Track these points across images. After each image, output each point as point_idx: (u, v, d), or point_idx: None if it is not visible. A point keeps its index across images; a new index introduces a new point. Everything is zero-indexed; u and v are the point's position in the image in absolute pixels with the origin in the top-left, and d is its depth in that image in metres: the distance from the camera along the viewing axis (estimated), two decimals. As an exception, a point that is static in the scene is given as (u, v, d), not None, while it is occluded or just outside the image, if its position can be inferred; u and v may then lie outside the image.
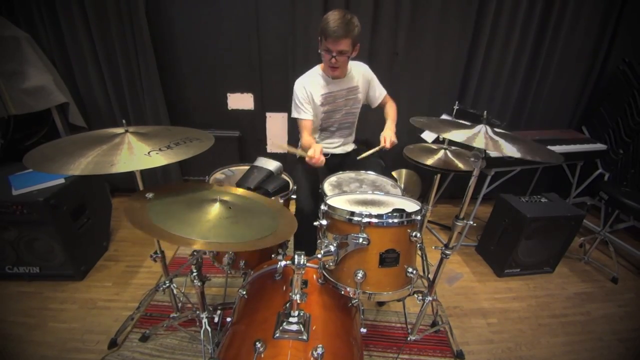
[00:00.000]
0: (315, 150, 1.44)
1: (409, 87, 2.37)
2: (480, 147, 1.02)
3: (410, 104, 2.43)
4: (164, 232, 0.79)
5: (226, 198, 1.01)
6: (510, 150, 1.01)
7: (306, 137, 1.63)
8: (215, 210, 0.93)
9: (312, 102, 1.65)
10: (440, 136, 1.98)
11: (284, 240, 0.92)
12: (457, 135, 1.07)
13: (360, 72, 1.70)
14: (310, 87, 1.63)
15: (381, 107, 1.81)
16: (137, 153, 0.98)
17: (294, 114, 1.67)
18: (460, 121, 1.28)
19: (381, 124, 1.88)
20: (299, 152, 1.59)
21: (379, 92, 1.77)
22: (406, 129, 2.45)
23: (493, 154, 1.98)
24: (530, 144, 1.11)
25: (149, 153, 0.99)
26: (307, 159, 1.45)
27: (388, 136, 1.56)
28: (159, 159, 0.97)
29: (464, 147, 1.65)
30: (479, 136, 1.06)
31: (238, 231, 0.85)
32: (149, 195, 0.95)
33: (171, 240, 0.80)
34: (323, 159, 1.46)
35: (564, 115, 2.61)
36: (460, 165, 1.49)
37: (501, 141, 1.05)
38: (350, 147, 1.86)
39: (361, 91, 1.72)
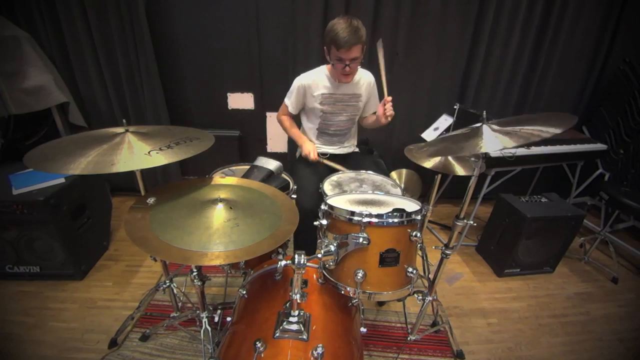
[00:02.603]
0: (311, 151, 1.63)
1: (409, 87, 2.37)
2: (508, 147, 0.97)
3: (410, 104, 2.43)
4: (165, 250, 0.80)
5: (227, 196, 1.01)
6: (534, 130, 0.96)
7: (287, 121, 1.77)
8: (216, 212, 0.93)
9: (303, 101, 1.69)
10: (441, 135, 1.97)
11: (287, 238, 0.92)
12: (486, 146, 0.98)
13: (367, 82, 1.69)
14: (310, 85, 1.64)
15: (364, 118, 1.82)
16: (137, 152, 0.98)
17: (286, 100, 1.73)
18: (458, 133, 1.21)
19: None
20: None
21: (374, 108, 1.76)
22: (406, 128, 2.48)
23: (493, 153, 1.98)
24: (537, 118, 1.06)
25: (149, 152, 0.99)
26: (303, 153, 1.65)
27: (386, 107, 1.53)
28: (159, 158, 0.97)
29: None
30: (494, 136, 1.01)
31: (240, 237, 0.85)
32: (151, 200, 0.95)
33: (173, 259, 0.80)
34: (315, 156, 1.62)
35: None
36: (460, 169, 1.49)
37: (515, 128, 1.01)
38: (351, 149, 1.86)
39: (363, 100, 1.72)
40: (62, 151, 0.96)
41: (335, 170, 1.59)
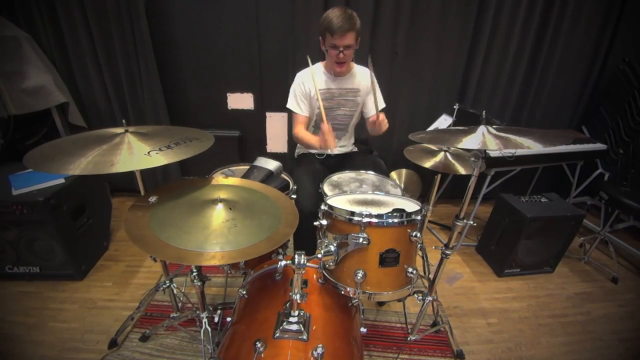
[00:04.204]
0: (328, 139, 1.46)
1: (409, 87, 2.37)
2: (494, 149, 1.00)
3: (410, 104, 2.43)
4: (162, 248, 0.80)
5: (228, 196, 1.01)
6: (527, 142, 1.00)
7: (302, 131, 1.67)
8: (216, 212, 0.93)
9: (308, 98, 1.66)
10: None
11: (284, 240, 0.92)
12: (469, 143, 1.03)
13: (365, 77, 1.70)
14: (308, 82, 1.64)
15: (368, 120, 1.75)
16: (137, 153, 0.98)
17: (290, 105, 1.69)
18: (456, 127, 1.27)
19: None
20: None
21: (374, 108, 1.71)
22: (405, 128, 2.48)
23: (493, 153, 1.98)
24: (539, 133, 1.09)
25: (148, 153, 0.99)
26: (321, 143, 1.48)
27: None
28: (159, 158, 0.97)
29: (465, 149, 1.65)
30: (488, 138, 1.04)
31: (237, 238, 0.85)
32: (153, 198, 0.95)
33: (168, 258, 0.80)
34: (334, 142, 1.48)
35: (564, 115, 2.61)
36: (461, 169, 1.49)
37: (510, 136, 1.04)
38: (349, 148, 1.86)
39: (362, 95, 1.71)
40: (62, 151, 0.96)
41: (335, 170, 1.58)
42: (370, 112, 1.75)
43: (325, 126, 1.44)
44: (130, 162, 0.94)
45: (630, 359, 1.56)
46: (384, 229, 0.96)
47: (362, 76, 1.70)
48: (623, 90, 2.32)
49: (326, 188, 1.38)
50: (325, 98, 1.67)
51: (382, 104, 1.74)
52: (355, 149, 1.90)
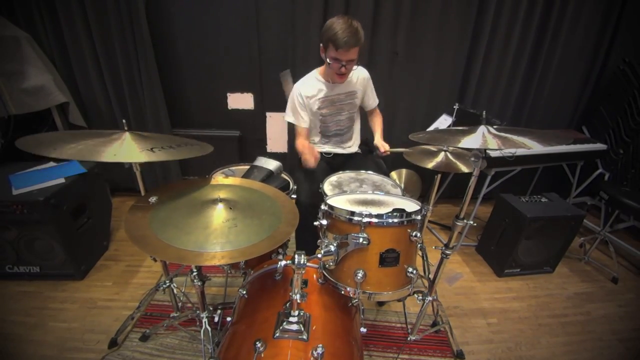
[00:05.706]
0: (309, 154, 1.52)
1: (409, 87, 2.37)
2: (494, 149, 1.01)
3: (410, 104, 2.43)
4: (163, 249, 0.80)
5: (228, 196, 1.01)
6: (527, 142, 1.00)
7: (302, 143, 1.64)
8: (216, 212, 0.93)
9: (308, 109, 1.66)
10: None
11: (285, 240, 0.92)
12: (469, 143, 1.04)
13: (359, 77, 1.70)
14: (307, 93, 1.63)
15: (369, 115, 1.86)
16: (139, 147, 1.00)
17: (289, 118, 1.69)
18: (456, 127, 1.27)
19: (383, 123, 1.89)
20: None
21: (373, 100, 1.81)
22: (406, 129, 2.48)
23: (494, 153, 1.98)
24: (538, 133, 1.09)
25: (151, 149, 0.99)
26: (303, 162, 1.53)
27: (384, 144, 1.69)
28: (161, 155, 0.98)
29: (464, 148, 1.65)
30: (488, 138, 1.04)
31: (237, 237, 0.85)
32: (153, 199, 0.95)
33: (169, 258, 0.81)
34: (313, 162, 1.52)
35: (564, 115, 2.61)
36: (462, 167, 1.49)
37: (510, 136, 1.04)
38: (354, 149, 1.86)
39: (358, 96, 1.73)
40: (58, 138, 0.99)
41: (338, 170, 1.59)
42: (369, 104, 1.82)
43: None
44: (130, 154, 0.95)
45: (630, 359, 1.56)
46: (384, 229, 0.96)
47: (356, 76, 1.69)
48: (623, 90, 2.32)
49: (326, 188, 1.38)
50: (325, 106, 1.67)
51: (376, 100, 1.82)
52: (359, 151, 1.90)
